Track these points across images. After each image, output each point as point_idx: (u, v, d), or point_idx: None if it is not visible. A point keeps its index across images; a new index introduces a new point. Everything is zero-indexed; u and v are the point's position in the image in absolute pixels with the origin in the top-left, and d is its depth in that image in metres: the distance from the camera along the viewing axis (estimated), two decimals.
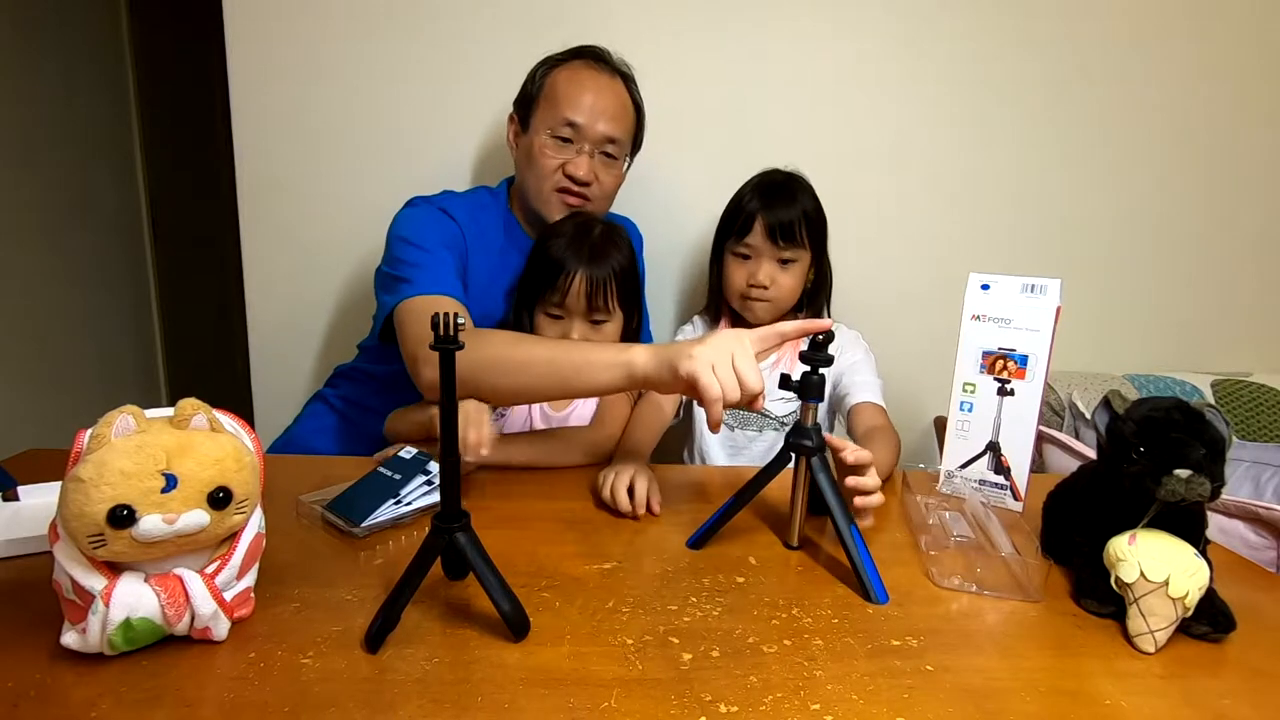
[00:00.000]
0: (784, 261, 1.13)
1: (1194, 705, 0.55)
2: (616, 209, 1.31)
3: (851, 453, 0.78)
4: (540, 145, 1.09)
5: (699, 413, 1.19)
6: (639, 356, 0.77)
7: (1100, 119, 1.48)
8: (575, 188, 1.10)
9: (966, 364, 0.91)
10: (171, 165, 2.62)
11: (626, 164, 1.18)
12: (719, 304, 1.22)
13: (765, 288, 1.12)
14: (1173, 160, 1.52)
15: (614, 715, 0.50)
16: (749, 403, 0.73)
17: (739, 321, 1.20)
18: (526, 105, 1.13)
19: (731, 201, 1.17)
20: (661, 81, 1.38)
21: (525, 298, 1.07)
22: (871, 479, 0.77)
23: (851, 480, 0.77)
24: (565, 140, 1.09)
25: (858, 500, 0.76)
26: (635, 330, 1.11)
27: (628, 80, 1.16)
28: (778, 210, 1.10)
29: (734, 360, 0.71)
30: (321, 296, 1.46)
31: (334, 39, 1.35)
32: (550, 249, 1.03)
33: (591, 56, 1.13)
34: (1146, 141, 1.51)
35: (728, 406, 0.71)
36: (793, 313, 1.18)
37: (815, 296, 1.19)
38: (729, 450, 1.19)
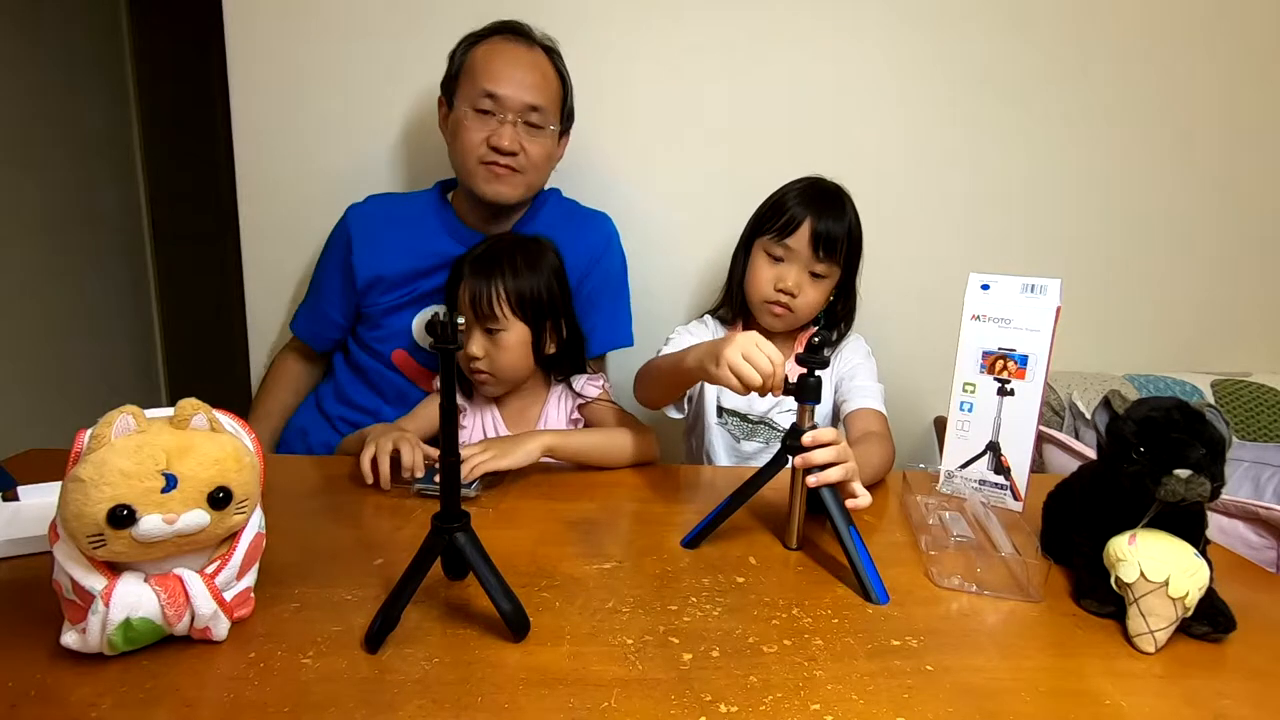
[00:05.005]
0: (815, 274, 1.09)
1: (1194, 705, 0.55)
2: (602, 205, 1.31)
3: (810, 434, 0.75)
4: (462, 118, 1.10)
5: (708, 418, 1.18)
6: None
7: (1101, 119, 1.48)
8: (501, 159, 1.10)
9: (966, 364, 0.91)
10: (171, 165, 2.62)
11: (560, 135, 1.19)
12: (736, 304, 1.18)
13: (793, 295, 1.08)
14: (1173, 160, 1.52)
15: (614, 715, 0.50)
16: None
17: (753, 325, 1.17)
18: (449, 84, 1.15)
19: (773, 199, 1.13)
20: (659, 80, 1.39)
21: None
22: (823, 455, 0.74)
23: (800, 459, 0.74)
24: (487, 113, 1.10)
25: (810, 479, 0.73)
26: (564, 341, 1.08)
27: (550, 52, 1.16)
28: (827, 220, 1.06)
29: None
30: None
31: (333, 39, 1.34)
32: (458, 260, 1.06)
33: (511, 31, 1.14)
34: (1147, 142, 1.51)
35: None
36: (808, 327, 1.15)
37: (837, 321, 1.17)
38: (735, 460, 1.18)
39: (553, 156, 1.19)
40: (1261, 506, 0.91)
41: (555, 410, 1.11)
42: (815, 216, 1.06)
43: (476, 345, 1.01)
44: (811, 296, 1.10)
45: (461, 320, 0.56)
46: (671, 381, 0.98)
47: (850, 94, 1.43)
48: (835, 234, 1.07)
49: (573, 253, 1.19)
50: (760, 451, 1.17)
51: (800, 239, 1.07)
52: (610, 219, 1.29)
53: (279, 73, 1.35)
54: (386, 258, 1.16)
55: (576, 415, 1.12)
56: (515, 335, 1.02)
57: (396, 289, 1.17)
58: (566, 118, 1.20)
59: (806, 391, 0.73)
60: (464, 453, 0.85)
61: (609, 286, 1.27)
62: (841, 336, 1.18)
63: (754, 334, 0.78)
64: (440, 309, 1.13)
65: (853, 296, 1.17)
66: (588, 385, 1.10)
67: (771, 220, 1.10)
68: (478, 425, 1.10)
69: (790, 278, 1.08)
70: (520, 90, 1.09)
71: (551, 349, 1.07)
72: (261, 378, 1.33)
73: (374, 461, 0.88)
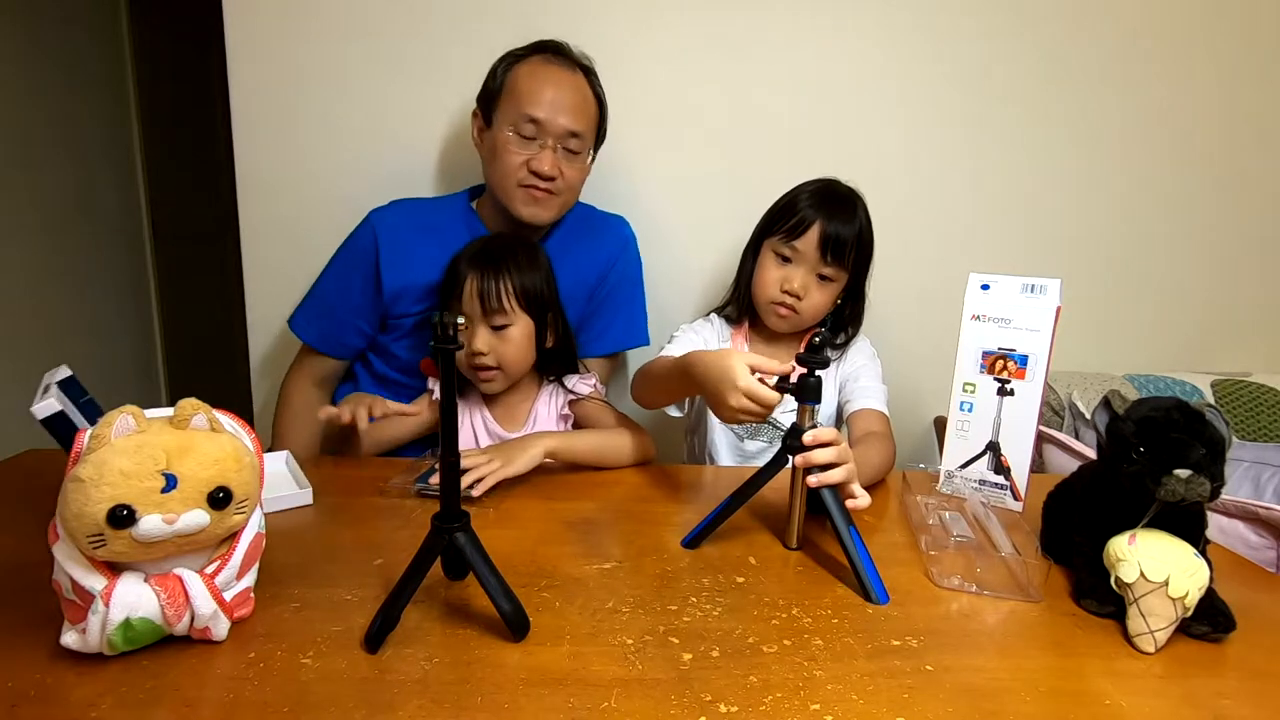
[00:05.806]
0: (822, 277, 1.09)
1: (1194, 705, 0.55)
2: (612, 207, 1.31)
3: (810, 434, 0.75)
4: (504, 141, 1.11)
5: (711, 417, 1.18)
6: None
7: (1100, 119, 1.48)
8: (541, 183, 1.11)
9: (966, 364, 0.91)
10: (171, 165, 2.62)
11: (591, 156, 1.19)
12: (743, 303, 1.17)
13: (799, 297, 1.08)
14: (1174, 160, 1.52)
15: (614, 715, 0.50)
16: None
17: (759, 325, 1.17)
18: (489, 101, 1.15)
19: (784, 200, 1.12)
20: (659, 81, 1.38)
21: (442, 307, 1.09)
22: (823, 455, 0.74)
23: (800, 458, 0.75)
24: (528, 137, 1.10)
25: (810, 479, 0.73)
26: (560, 336, 1.10)
27: (588, 74, 1.17)
28: (837, 223, 1.06)
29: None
30: None
31: (333, 39, 1.34)
32: (454, 260, 1.06)
33: (552, 51, 1.14)
34: (1147, 142, 1.50)
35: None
36: (814, 329, 1.15)
37: (844, 325, 1.17)
38: (738, 459, 1.18)
39: (584, 177, 1.20)
40: (1261, 506, 0.91)
41: (546, 408, 1.12)
42: (825, 219, 1.06)
43: (481, 341, 1.02)
44: (817, 299, 1.10)
45: (462, 319, 0.56)
46: (678, 390, 0.99)
47: (850, 94, 1.43)
48: (844, 237, 1.06)
49: (592, 256, 1.19)
50: (764, 451, 1.17)
51: (809, 241, 1.07)
52: (627, 222, 1.30)
53: (279, 73, 1.35)
54: (415, 268, 1.14)
55: (567, 412, 1.12)
56: (521, 329, 1.04)
57: (426, 300, 1.16)
58: (600, 139, 1.21)
59: (807, 391, 0.74)
60: (469, 461, 0.86)
61: (625, 286, 1.28)
62: (848, 339, 1.18)
63: (744, 369, 0.78)
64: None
65: (861, 300, 1.17)
66: (579, 383, 1.11)
67: (782, 221, 1.10)
68: (468, 424, 1.10)
69: (797, 279, 1.08)
70: (562, 116, 1.10)
71: (550, 343, 1.08)
72: (276, 404, 1.26)
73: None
